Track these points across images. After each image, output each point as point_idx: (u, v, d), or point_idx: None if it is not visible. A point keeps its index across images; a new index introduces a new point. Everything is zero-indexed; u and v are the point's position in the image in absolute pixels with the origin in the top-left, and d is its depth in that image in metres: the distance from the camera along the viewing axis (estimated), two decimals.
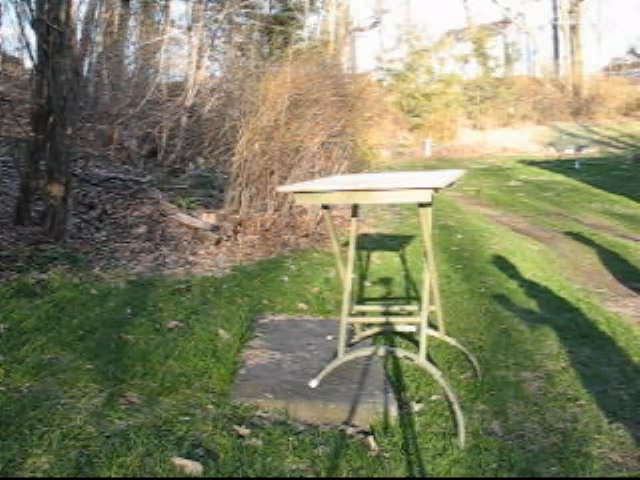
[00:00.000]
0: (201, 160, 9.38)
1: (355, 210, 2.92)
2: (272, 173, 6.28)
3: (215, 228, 5.95)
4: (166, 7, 14.68)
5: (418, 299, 3.68)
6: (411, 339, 3.34)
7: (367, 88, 9.88)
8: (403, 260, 5.25)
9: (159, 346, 3.12)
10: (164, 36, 11.02)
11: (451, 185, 2.58)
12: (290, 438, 2.29)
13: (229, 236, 5.90)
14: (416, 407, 2.63)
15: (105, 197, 6.61)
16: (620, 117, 23.87)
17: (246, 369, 2.94)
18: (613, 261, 5.54)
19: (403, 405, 2.65)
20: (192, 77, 10.19)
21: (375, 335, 3.30)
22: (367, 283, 4.63)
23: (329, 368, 2.72)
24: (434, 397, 2.72)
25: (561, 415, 2.56)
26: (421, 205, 2.39)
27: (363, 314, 3.42)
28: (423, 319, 2.59)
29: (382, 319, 3.13)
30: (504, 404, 2.66)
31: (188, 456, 2.12)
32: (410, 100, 22.06)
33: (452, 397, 2.47)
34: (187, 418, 2.41)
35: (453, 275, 4.84)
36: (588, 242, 6.35)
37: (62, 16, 5.02)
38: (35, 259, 4.54)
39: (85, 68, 7.72)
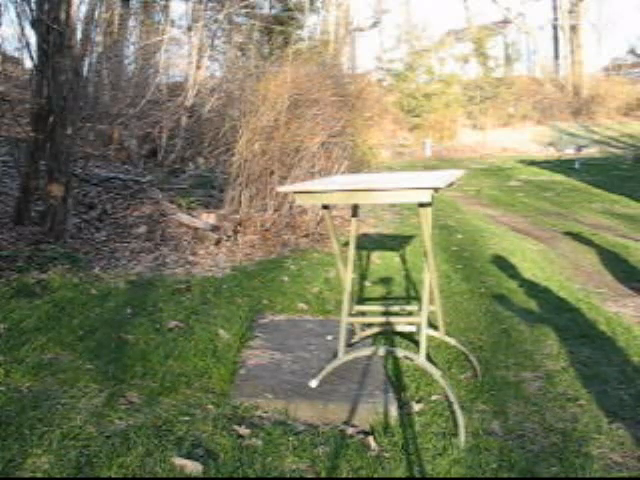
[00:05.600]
0: (201, 160, 9.38)
1: (355, 210, 2.92)
2: (272, 173, 6.28)
3: (215, 228, 5.95)
4: (166, 7, 14.68)
5: (418, 299, 3.68)
6: (411, 339, 3.34)
7: (367, 88, 9.88)
8: (403, 260, 5.25)
9: (159, 346, 3.12)
10: (164, 36, 11.01)
11: (451, 185, 2.58)
12: (290, 438, 2.29)
13: (229, 236, 5.90)
14: (416, 407, 2.62)
15: (105, 197, 6.61)
16: (620, 117, 23.88)
17: (246, 369, 2.94)
18: (613, 261, 5.54)
19: (403, 405, 2.65)
20: (192, 77, 10.19)
21: (375, 335, 3.30)
22: (367, 283, 4.63)
23: (329, 368, 2.72)
24: (434, 397, 2.72)
25: (561, 415, 2.56)
26: (421, 205, 2.39)
27: (363, 314, 3.41)
28: (423, 319, 2.59)
29: (382, 319, 3.12)
30: (504, 404, 2.66)
31: (188, 456, 2.11)
32: (410, 100, 22.06)
33: (452, 397, 2.47)
34: (187, 418, 2.41)
35: (453, 275, 4.84)
36: (588, 242, 6.35)
37: (62, 16, 5.02)
38: (35, 259, 4.54)
39: (85, 68, 7.71)
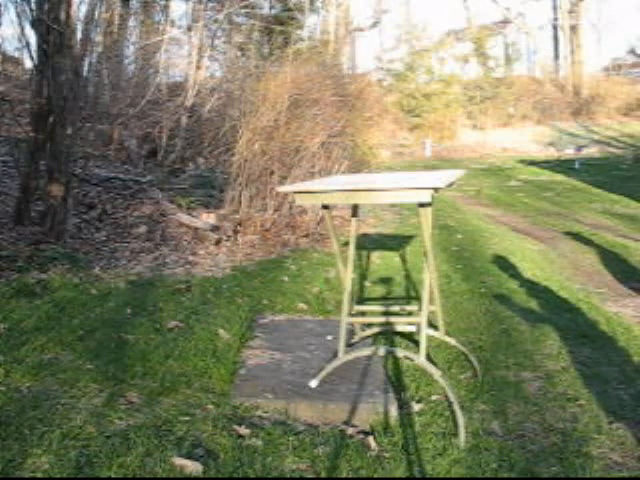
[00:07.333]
0: (201, 160, 9.38)
1: (355, 210, 2.92)
2: (272, 173, 6.28)
3: (215, 228, 5.95)
4: (166, 7, 14.68)
5: (418, 299, 3.68)
6: (411, 339, 3.34)
7: (367, 88, 9.89)
8: (403, 260, 5.25)
9: (159, 346, 3.12)
10: (164, 36, 11.01)
11: (451, 185, 2.58)
12: (290, 438, 2.29)
13: (229, 236, 5.90)
14: (416, 407, 2.62)
15: (105, 197, 6.61)
16: (620, 117, 23.88)
17: (246, 369, 2.94)
18: (613, 261, 5.54)
19: (403, 405, 2.65)
20: (192, 77, 10.19)
21: (375, 335, 3.30)
22: (367, 283, 4.63)
23: (329, 368, 2.72)
24: (434, 397, 2.72)
25: (561, 415, 2.56)
26: (421, 205, 2.39)
27: (363, 314, 3.41)
28: (423, 319, 2.59)
29: (382, 319, 3.13)
30: (504, 404, 2.66)
31: (188, 456, 2.11)
32: (410, 100, 22.08)
33: (452, 397, 2.47)
34: (187, 418, 2.40)
35: (453, 275, 4.84)
36: (588, 242, 6.35)
37: (62, 16, 5.02)
38: (35, 259, 4.54)
39: (85, 68, 7.70)
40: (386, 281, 4.62)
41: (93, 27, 7.83)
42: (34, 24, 5.09)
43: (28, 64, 8.51)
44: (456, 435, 2.36)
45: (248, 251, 5.63)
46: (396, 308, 3.23)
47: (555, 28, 29.16)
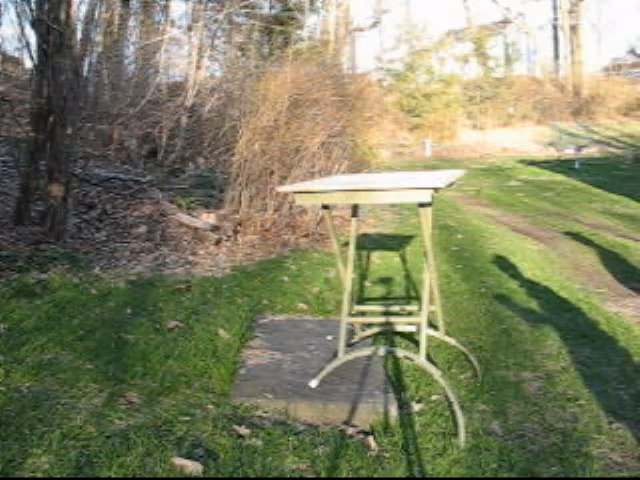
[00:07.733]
0: (201, 160, 9.38)
1: (355, 210, 2.92)
2: (272, 173, 6.28)
3: (215, 228, 5.95)
4: (166, 7, 14.68)
5: (418, 299, 3.68)
6: (411, 339, 3.34)
7: (367, 88, 9.89)
8: (403, 260, 5.25)
9: (159, 346, 3.12)
10: (164, 36, 11.01)
11: (451, 185, 2.58)
12: (290, 438, 2.29)
13: (229, 236, 5.90)
14: (416, 407, 2.62)
15: (105, 197, 6.61)
16: (620, 117, 23.89)
17: (246, 369, 2.94)
18: (613, 261, 5.54)
19: (403, 405, 2.65)
20: (192, 77, 10.19)
21: (375, 335, 3.30)
22: (367, 283, 4.63)
23: (329, 368, 2.72)
24: (434, 397, 2.72)
25: (561, 415, 2.56)
26: (421, 205, 2.39)
27: (363, 314, 3.41)
28: (423, 319, 2.59)
29: (382, 319, 3.13)
30: (504, 404, 2.66)
31: (188, 456, 2.11)
32: (410, 100, 22.10)
33: (452, 397, 2.47)
34: (187, 418, 2.40)
35: (453, 275, 4.84)
36: (588, 242, 6.35)
37: (62, 16, 5.02)
38: (35, 259, 4.54)
39: (85, 68, 7.71)
40: (386, 281, 4.62)
41: (93, 27, 7.84)
42: (34, 24, 5.09)
43: (28, 64, 8.53)
44: (456, 435, 2.36)
45: (248, 251, 5.63)
46: (396, 308, 3.23)
47: (555, 28, 29.20)
